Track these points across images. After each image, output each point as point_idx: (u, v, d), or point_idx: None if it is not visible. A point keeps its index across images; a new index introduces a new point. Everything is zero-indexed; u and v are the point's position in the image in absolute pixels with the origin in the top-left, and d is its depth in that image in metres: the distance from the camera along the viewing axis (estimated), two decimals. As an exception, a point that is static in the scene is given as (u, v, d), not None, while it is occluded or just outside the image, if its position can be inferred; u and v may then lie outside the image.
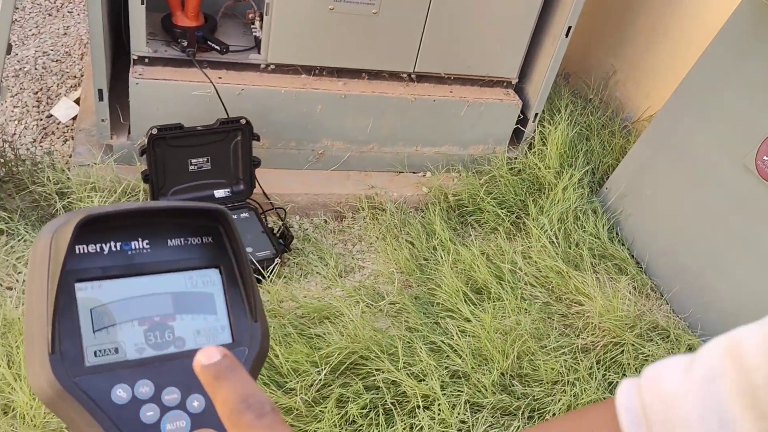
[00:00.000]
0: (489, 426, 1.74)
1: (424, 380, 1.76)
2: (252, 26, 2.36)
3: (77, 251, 0.40)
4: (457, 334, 1.93)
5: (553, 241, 2.33)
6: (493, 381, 1.78)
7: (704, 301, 2.15)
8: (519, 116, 2.66)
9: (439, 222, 2.39)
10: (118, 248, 0.42)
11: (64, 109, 2.71)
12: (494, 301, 2.07)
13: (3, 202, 2.08)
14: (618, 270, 2.32)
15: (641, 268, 2.38)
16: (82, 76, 2.92)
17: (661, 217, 2.39)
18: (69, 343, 0.38)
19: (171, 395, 0.40)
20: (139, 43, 2.15)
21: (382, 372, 1.77)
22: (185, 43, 2.20)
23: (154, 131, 2.01)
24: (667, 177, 2.37)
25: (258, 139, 2.20)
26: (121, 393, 0.39)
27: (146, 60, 2.20)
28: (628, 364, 1.90)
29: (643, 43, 2.93)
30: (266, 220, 2.29)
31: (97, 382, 0.38)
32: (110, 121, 2.23)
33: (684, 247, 2.27)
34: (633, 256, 2.43)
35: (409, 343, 1.89)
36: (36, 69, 2.91)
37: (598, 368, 1.88)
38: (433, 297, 2.15)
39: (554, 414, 1.74)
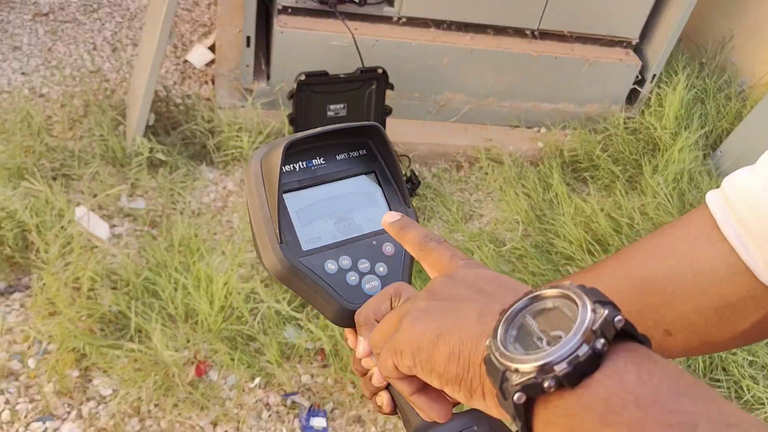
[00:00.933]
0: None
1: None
2: (386, -20, 2.47)
3: (281, 170, 0.54)
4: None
5: (668, 200, 2.39)
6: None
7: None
8: (636, 77, 2.70)
9: (555, 176, 2.48)
10: (305, 165, 0.58)
11: (198, 55, 2.89)
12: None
13: (161, 138, 2.28)
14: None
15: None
16: (212, 24, 3.10)
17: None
18: (289, 235, 0.54)
19: (364, 264, 0.55)
20: (285, -7, 2.29)
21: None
22: (326, -5, 2.33)
23: (303, 77, 2.16)
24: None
25: (392, 88, 2.32)
26: (330, 266, 0.54)
27: (289, 10, 2.35)
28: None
29: (763, 9, 2.89)
30: (393, 166, 2.42)
31: (313, 260, 0.54)
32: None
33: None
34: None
35: (533, 285, 2.02)
36: (171, 17, 3.09)
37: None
38: (551, 246, 2.26)
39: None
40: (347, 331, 0.55)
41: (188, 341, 1.70)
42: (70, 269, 1.74)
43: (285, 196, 0.56)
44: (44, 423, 1.56)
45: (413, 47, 2.42)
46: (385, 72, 2.28)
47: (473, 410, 0.46)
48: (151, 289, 1.78)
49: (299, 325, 1.83)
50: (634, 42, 2.67)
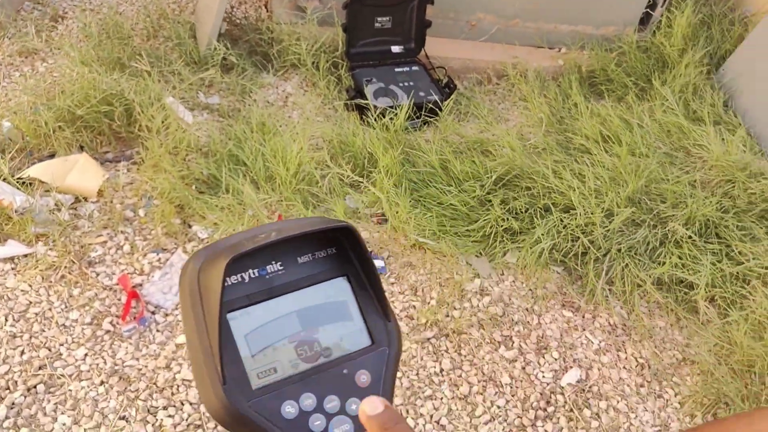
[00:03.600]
0: (620, 232, 2.19)
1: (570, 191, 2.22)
2: None
3: (223, 286, 0.43)
4: (594, 164, 2.36)
5: (675, 106, 2.70)
6: (627, 196, 2.22)
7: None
8: (649, 2, 2.99)
9: (574, 88, 2.79)
10: (257, 274, 0.46)
11: (252, -16, 3.20)
12: (625, 146, 2.48)
13: (229, 46, 2.60)
14: (731, 134, 2.68)
15: (751, 135, 2.73)
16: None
17: (774, 91, 2.71)
18: (235, 371, 0.43)
19: (332, 403, 0.45)
20: None
21: (536, 186, 2.24)
22: None
23: (356, -11, 2.48)
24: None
25: (432, 3, 2.63)
26: (289, 409, 0.43)
27: (341, -66, 2.65)
28: (738, 195, 2.30)
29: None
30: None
31: (267, 402, 0.43)
32: (309, -15, 2.70)
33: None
34: (742, 124, 2.77)
35: (554, 168, 2.34)
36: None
37: (713, 195, 2.29)
38: (569, 143, 2.58)
39: (676, 226, 2.17)
40: None
41: (269, 197, 2.05)
42: (170, 139, 2.08)
43: (230, 316, 0.44)
44: (157, 254, 1.92)
45: (450, -31, 2.73)
46: (426, -12, 2.59)
47: None
48: (235, 158, 2.13)
49: (359, 191, 2.18)
50: (647, -31, 2.96)
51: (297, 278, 0.47)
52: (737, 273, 2.10)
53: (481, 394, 1.78)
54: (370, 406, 0.41)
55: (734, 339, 1.91)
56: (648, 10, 3.02)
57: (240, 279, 0.45)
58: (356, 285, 0.48)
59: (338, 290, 0.48)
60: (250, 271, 0.46)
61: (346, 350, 0.46)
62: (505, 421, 1.73)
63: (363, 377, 0.46)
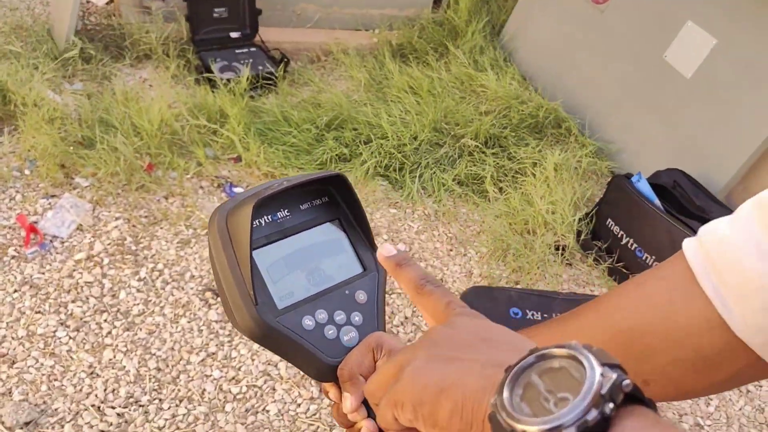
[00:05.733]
0: (427, 151, 2.81)
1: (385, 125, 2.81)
2: None
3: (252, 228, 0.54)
4: (404, 108, 2.99)
5: (466, 62, 3.41)
6: (428, 124, 2.85)
7: (562, 85, 3.28)
8: (438, -14, 3.72)
9: (387, 57, 3.43)
10: (270, 219, 0.58)
11: (98, -4, 3.58)
12: (428, 93, 3.13)
13: (86, 43, 2.98)
14: (511, 79, 3.42)
15: (525, 78, 3.50)
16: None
17: (541, 47, 3.50)
18: (263, 295, 0.54)
19: (339, 316, 0.57)
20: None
21: (359, 126, 2.81)
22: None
23: (193, -14, 2.96)
24: (545, 19, 3.48)
25: (260, -6, 3.17)
26: (308, 322, 0.55)
27: (174, -57, 3.13)
28: (513, 116, 3.00)
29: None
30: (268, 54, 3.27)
31: (290, 318, 0.55)
32: (152, -12, 3.15)
33: (554, 62, 3.39)
34: (520, 72, 3.53)
35: (373, 113, 2.94)
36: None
37: (496, 120, 2.98)
38: (386, 97, 3.20)
39: (467, 140, 2.81)
40: (327, 385, 0.56)
41: (139, 147, 2.46)
42: (44, 109, 2.44)
43: (254, 253, 0.55)
44: (47, 200, 2.27)
45: (272, -33, 3.28)
46: (252, -18, 3.12)
47: None
48: (105, 123, 2.52)
49: (216, 141, 2.64)
50: (432, -39, 3.68)
51: (300, 222, 0.59)
52: (513, 168, 2.79)
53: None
54: (386, 250, 0.54)
55: (512, 207, 2.56)
56: (438, -7, 3.74)
57: (259, 223, 0.57)
58: (347, 225, 0.60)
59: (333, 230, 0.60)
60: (266, 216, 0.57)
61: (343, 277, 0.58)
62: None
63: (361, 296, 0.58)
